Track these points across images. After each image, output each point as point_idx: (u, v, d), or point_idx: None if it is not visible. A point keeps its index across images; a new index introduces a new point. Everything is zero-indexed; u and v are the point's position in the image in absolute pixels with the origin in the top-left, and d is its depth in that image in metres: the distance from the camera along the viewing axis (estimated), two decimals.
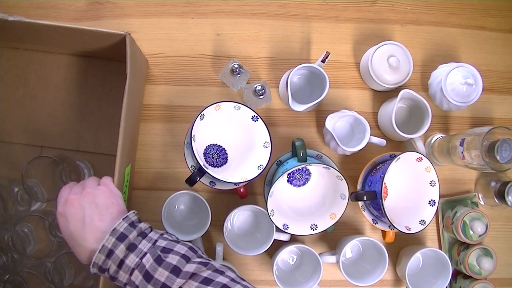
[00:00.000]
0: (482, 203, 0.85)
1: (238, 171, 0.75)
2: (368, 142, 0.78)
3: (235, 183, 0.72)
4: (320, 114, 0.85)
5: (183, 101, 0.85)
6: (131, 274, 0.54)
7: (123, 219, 0.57)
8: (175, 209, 0.82)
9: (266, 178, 0.79)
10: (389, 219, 0.71)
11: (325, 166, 0.71)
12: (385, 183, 0.72)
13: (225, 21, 0.87)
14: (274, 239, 0.76)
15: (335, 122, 0.80)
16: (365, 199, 0.73)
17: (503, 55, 0.89)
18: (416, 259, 0.82)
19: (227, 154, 0.79)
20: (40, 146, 0.82)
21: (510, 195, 0.78)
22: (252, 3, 0.87)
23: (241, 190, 0.77)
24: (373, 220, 0.79)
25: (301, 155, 0.72)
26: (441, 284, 0.78)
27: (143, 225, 0.58)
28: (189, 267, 0.54)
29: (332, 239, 0.83)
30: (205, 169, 0.69)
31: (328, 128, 0.78)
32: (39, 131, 0.82)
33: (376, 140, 0.79)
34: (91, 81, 0.84)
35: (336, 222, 0.73)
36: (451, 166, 0.84)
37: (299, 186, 0.80)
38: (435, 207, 0.75)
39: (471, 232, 0.77)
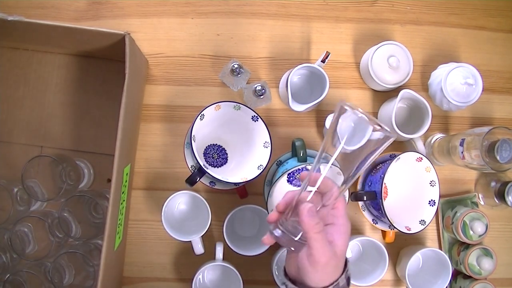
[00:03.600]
0: (482, 203, 0.85)
1: (238, 171, 0.75)
2: None
3: (235, 183, 0.72)
4: (320, 114, 0.85)
5: (183, 101, 0.84)
6: None
7: None
8: (175, 209, 0.82)
9: (266, 178, 0.78)
10: (389, 219, 0.71)
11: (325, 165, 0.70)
12: (385, 183, 0.72)
13: (225, 21, 0.86)
14: None
15: None
16: (365, 199, 0.73)
17: (503, 55, 0.89)
18: (416, 259, 0.82)
19: (227, 154, 0.79)
20: (40, 146, 0.82)
21: (510, 195, 0.78)
22: (252, 3, 0.87)
23: (241, 190, 0.77)
24: (373, 220, 0.79)
25: (301, 155, 0.72)
26: (441, 284, 0.78)
27: None
28: None
29: None
30: (205, 169, 0.69)
31: (328, 128, 0.77)
32: (39, 131, 0.82)
33: None
34: (91, 81, 0.83)
35: None
36: (451, 166, 0.84)
37: (299, 186, 0.79)
38: (435, 207, 0.75)
39: (471, 232, 0.77)
